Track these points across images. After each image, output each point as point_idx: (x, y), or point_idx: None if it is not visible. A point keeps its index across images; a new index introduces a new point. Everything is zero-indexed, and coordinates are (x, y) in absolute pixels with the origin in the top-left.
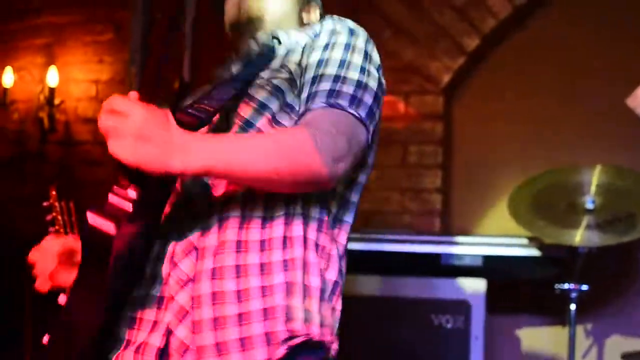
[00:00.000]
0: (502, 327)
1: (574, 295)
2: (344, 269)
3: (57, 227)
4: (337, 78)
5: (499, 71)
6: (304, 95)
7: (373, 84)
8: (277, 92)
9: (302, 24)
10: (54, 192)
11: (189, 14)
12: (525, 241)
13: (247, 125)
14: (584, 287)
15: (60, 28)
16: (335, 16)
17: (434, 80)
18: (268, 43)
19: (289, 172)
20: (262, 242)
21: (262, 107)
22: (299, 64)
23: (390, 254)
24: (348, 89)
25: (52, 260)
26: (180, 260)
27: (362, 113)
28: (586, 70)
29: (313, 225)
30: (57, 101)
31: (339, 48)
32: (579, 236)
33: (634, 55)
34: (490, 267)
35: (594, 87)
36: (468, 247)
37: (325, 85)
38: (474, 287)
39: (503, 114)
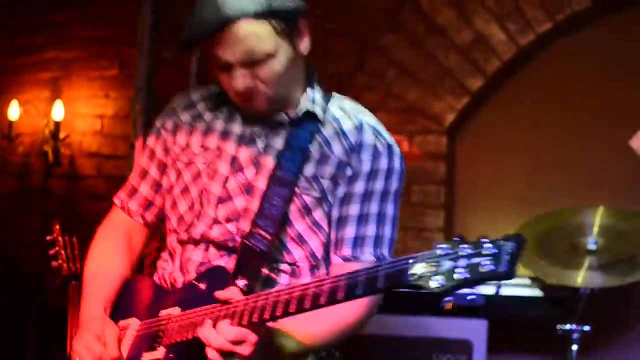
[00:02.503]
0: None
1: (575, 335)
2: None
3: (59, 261)
4: (380, 218)
5: (502, 111)
6: (348, 233)
7: (398, 209)
8: (306, 212)
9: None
10: (57, 227)
11: (195, 52)
12: (527, 281)
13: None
14: (586, 328)
15: (66, 63)
16: (367, 120)
17: (437, 120)
18: (303, 133)
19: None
20: None
21: (288, 224)
22: (333, 180)
23: (391, 292)
24: (387, 231)
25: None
26: None
27: (391, 252)
28: (590, 110)
29: None
30: (62, 135)
31: (381, 176)
32: (581, 277)
33: (637, 96)
34: (492, 307)
35: (598, 128)
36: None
37: (371, 230)
38: (476, 326)
39: (506, 154)
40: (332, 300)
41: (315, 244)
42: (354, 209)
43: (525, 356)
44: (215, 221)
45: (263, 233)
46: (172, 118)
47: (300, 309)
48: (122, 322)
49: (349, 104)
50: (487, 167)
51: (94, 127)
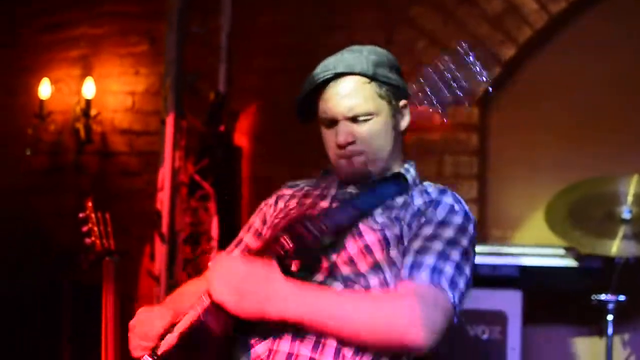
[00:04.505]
0: (539, 338)
1: (611, 306)
2: None
3: (92, 238)
4: (441, 255)
5: (534, 81)
6: (407, 261)
7: (468, 270)
8: (385, 242)
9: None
10: (90, 204)
11: (224, 27)
12: (561, 251)
13: (351, 264)
14: (621, 298)
15: (96, 40)
16: (451, 192)
17: (469, 91)
18: (393, 183)
19: (385, 337)
20: None
21: (367, 251)
22: (410, 226)
23: None
24: (448, 268)
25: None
26: None
27: (457, 299)
28: (626, 77)
29: None
30: (93, 112)
31: (452, 228)
32: (616, 246)
33: None
34: (526, 278)
35: (634, 96)
36: (504, 258)
37: (430, 260)
38: (510, 298)
39: (538, 124)
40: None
41: (389, 275)
42: (416, 244)
43: (560, 327)
44: None
45: (320, 224)
46: (275, 195)
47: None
48: None
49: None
50: (520, 137)
51: (125, 104)
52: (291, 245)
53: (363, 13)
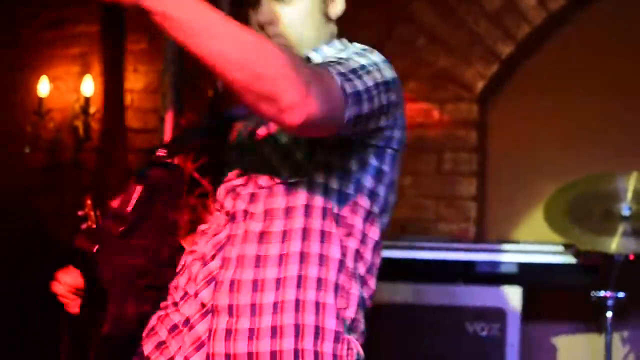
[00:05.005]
0: (538, 334)
1: (610, 302)
2: (366, 301)
3: None
4: (341, 61)
5: (533, 77)
6: None
7: (376, 75)
8: None
9: (328, 29)
10: (88, 201)
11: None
12: (561, 248)
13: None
14: (620, 295)
15: (95, 37)
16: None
17: (468, 88)
18: None
19: (254, 71)
20: (277, 280)
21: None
22: None
23: (424, 261)
24: (347, 68)
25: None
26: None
27: (347, 88)
28: (623, 75)
29: (333, 265)
30: (92, 110)
31: (360, 57)
32: (615, 243)
33: None
34: (525, 275)
35: (631, 93)
36: (503, 255)
37: (330, 64)
38: (510, 294)
39: (537, 121)
40: None
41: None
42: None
43: (559, 323)
44: None
45: None
46: None
47: None
48: None
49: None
50: (519, 134)
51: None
52: None
53: (363, 9)
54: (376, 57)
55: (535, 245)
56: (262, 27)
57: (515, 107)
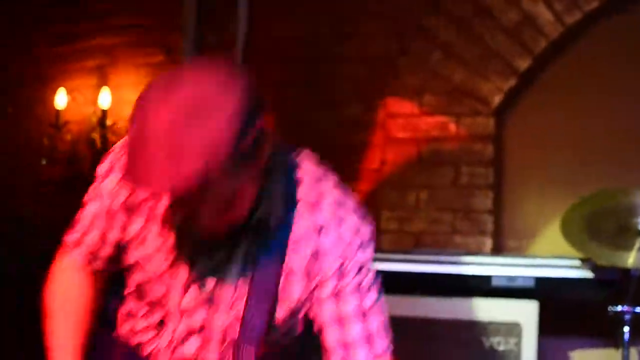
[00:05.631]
0: (555, 349)
1: (627, 317)
2: None
3: None
4: (361, 314)
5: (550, 92)
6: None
7: (381, 293)
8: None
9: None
10: None
11: (240, 38)
12: (577, 263)
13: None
14: (638, 309)
15: (112, 50)
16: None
17: (485, 102)
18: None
19: None
20: None
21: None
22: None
23: (440, 275)
24: (375, 322)
25: None
26: None
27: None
28: (637, 90)
29: None
30: (109, 122)
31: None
32: (632, 258)
33: None
34: (542, 289)
35: None
36: (520, 269)
37: (356, 330)
38: (526, 308)
39: (554, 135)
40: None
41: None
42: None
43: (576, 338)
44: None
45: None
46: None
47: None
48: None
49: (306, 183)
50: (536, 148)
51: None
52: None
53: (377, 24)
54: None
55: (552, 259)
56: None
57: (532, 121)
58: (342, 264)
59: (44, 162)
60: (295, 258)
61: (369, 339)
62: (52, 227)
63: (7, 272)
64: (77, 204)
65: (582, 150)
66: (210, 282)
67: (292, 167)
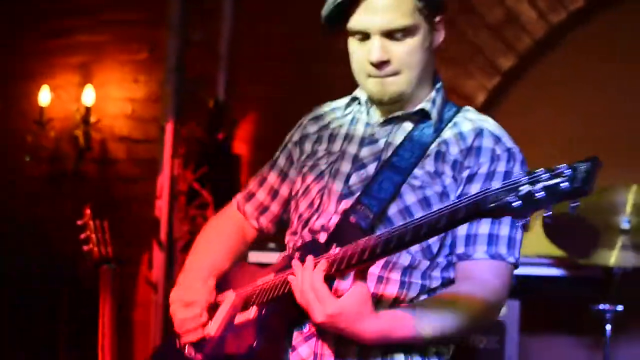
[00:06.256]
0: (537, 347)
1: (609, 315)
2: None
3: (90, 246)
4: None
5: (534, 90)
6: (461, 231)
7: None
8: (425, 202)
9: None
10: (88, 211)
11: (225, 34)
12: (560, 261)
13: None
14: (619, 308)
15: (96, 47)
16: (489, 127)
17: (469, 100)
18: (422, 133)
19: (471, 331)
20: None
21: (407, 212)
22: (454, 179)
23: None
24: (504, 230)
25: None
26: None
27: (517, 255)
28: (622, 89)
29: None
30: (93, 119)
31: (498, 179)
32: (614, 257)
33: None
34: (524, 287)
35: (631, 107)
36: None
37: (485, 229)
38: (508, 307)
39: (538, 133)
40: (416, 236)
41: (432, 238)
42: (474, 189)
43: (558, 336)
44: (335, 213)
45: (366, 210)
46: (299, 131)
47: (385, 250)
48: (219, 296)
49: (472, 113)
50: (520, 147)
51: (124, 111)
52: (339, 251)
53: None
54: (518, 167)
55: (534, 258)
56: (374, 65)
57: (516, 120)
58: (488, 170)
59: (27, 158)
60: (452, 148)
61: (492, 239)
62: (35, 223)
63: None
64: (60, 201)
65: (566, 149)
66: (372, 167)
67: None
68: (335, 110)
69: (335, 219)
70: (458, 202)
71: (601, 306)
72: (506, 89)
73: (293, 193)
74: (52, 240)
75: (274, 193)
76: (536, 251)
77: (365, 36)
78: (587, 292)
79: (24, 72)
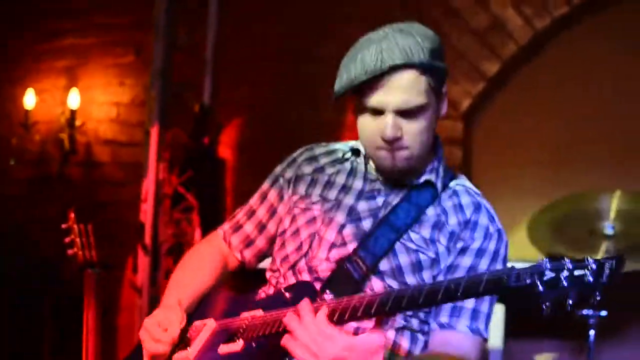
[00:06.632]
0: (520, 352)
1: (592, 321)
2: None
3: (75, 250)
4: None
5: (518, 96)
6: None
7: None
8: (418, 265)
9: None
10: (72, 215)
11: (210, 39)
12: None
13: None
14: (603, 313)
15: (82, 50)
16: (485, 203)
17: (453, 105)
18: (421, 198)
19: None
20: None
21: (399, 272)
22: (447, 249)
23: None
24: (485, 307)
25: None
26: None
27: (488, 332)
28: (607, 94)
29: None
30: (78, 123)
31: (488, 257)
32: None
33: None
34: None
35: (615, 112)
36: None
37: (470, 303)
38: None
39: (522, 139)
40: (431, 300)
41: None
42: (465, 262)
43: (542, 341)
44: (326, 260)
45: (360, 262)
46: (293, 168)
47: (393, 308)
48: (198, 322)
49: (469, 184)
50: (504, 153)
51: (109, 115)
52: (332, 297)
53: (351, 24)
54: (503, 249)
55: (519, 263)
56: (386, 141)
57: (501, 126)
58: (480, 246)
59: (12, 162)
60: (451, 218)
61: (475, 314)
62: (19, 227)
63: None
64: (45, 204)
65: (550, 155)
66: (367, 222)
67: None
68: (330, 154)
69: (328, 266)
70: (481, 274)
71: (585, 311)
72: (491, 95)
73: (280, 231)
74: (36, 244)
75: (261, 227)
76: (521, 256)
77: (379, 112)
78: (572, 297)
79: (9, 76)
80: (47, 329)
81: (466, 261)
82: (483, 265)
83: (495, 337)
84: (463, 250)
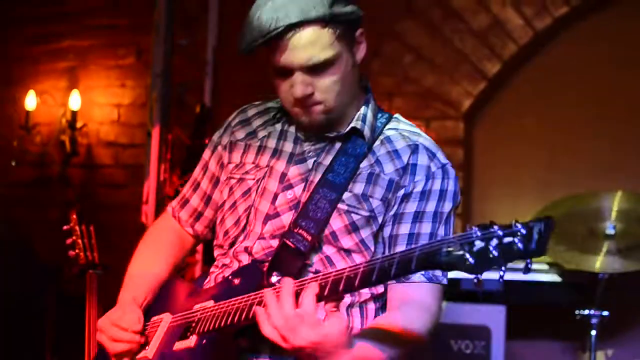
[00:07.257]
0: (522, 352)
1: (594, 321)
2: None
3: (76, 251)
4: (430, 237)
5: (519, 96)
6: (399, 247)
7: (451, 230)
8: (352, 227)
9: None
10: (74, 216)
11: (211, 40)
12: (545, 267)
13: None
14: (605, 313)
15: (83, 52)
16: (423, 142)
17: (454, 106)
18: (354, 150)
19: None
20: None
21: (333, 237)
22: (384, 200)
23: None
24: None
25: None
26: None
27: (447, 275)
28: (607, 94)
29: None
30: (79, 124)
31: (434, 197)
32: (600, 262)
33: None
34: (510, 293)
35: (615, 112)
36: (488, 272)
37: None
38: (494, 312)
39: (523, 139)
40: (366, 281)
41: (360, 260)
42: (404, 229)
43: (544, 342)
44: (260, 237)
45: (303, 233)
46: (228, 134)
47: (334, 291)
48: (155, 317)
49: (405, 125)
50: (505, 152)
51: (111, 116)
52: (280, 278)
53: None
54: (452, 184)
55: (520, 263)
56: (298, 101)
57: (501, 125)
58: (424, 189)
59: (13, 163)
60: (386, 167)
61: (414, 238)
62: (20, 229)
63: None
64: (46, 206)
65: (551, 154)
66: (299, 188)
67: (393, 114)
68: (262, 114)
69: (264, 244)
70: (411, 250)
71: (586, 311)
72: (492, 95)
73: (220, 202)
74: (37, 246)
75: (207, 199)
76: None
77: (287, 72)
78: (573, 297)
79: (10, 77)
80: (48, 330)
81: (410, 207)
82: (430, 207)
83: (497, 337)
84: (406, 197)
